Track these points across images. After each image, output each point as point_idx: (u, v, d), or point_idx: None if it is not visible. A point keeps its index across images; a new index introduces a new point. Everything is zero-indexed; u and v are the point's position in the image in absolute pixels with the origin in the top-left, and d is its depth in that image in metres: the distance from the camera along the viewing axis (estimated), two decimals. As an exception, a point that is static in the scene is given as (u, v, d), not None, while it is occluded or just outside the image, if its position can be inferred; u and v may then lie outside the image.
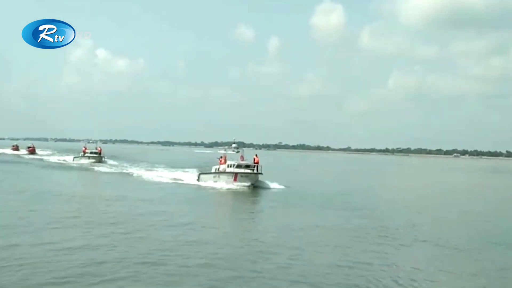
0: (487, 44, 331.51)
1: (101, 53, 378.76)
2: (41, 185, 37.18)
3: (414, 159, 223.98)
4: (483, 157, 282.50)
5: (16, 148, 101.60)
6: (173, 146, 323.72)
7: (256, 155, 41.98)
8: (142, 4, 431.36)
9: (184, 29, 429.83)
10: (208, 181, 41.91)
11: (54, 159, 78.85)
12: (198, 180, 43.89)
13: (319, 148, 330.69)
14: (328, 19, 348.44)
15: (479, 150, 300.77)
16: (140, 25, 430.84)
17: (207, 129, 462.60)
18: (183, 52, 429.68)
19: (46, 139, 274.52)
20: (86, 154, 70.44)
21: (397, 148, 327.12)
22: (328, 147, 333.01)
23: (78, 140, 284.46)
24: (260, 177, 40.28)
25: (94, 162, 67.57)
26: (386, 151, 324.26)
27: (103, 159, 69.77)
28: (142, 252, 15.75)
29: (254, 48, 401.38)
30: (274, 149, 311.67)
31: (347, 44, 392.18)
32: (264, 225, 23.50)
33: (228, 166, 41.26)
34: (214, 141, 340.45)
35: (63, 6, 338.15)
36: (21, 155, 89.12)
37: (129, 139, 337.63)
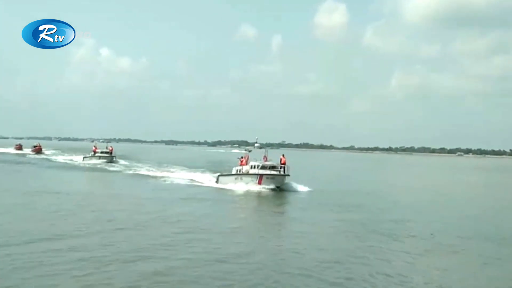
0: (490, 43, 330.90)
1: (104, 52, 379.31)
2: (58, 188, 35.16)
3: (421, 158, 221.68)
4: (486, 156, 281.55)
5: (19, 147, 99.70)
6: (176, 145, 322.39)
7: (283, 155, 39.56)
8: (144, 3, 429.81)
9: (187, 28, 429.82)
10: (229, 184, 39.59)
11: (62, 158, 76.88)
12: (217, 182, 41.72)
13: (322, 147, 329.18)
14: (331, 18, 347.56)
15: (482, 148, 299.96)
16: (143, 24, 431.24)
17: (210, 128, 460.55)
18: (185, 51, 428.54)
19: (50, 138, 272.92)
20: (96, 154, 68.04)
21: (400, 147, 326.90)
22: (331, 146, 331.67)
23: (82, 139, 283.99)
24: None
25: (105, 162, 65.37)
26: (389, 149, 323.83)
27: (114, 159, 67.43)
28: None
29: (257, 47, 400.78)
30: (278, 148, 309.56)
31: (349, 43, 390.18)
32: (299, 235, 20.72)
33: (251, 167, 38.89)
34: (217, 140, 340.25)
35: (64, 5, 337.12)
36: (26, 155, 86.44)
37: (133, 138, 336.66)
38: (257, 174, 37.79)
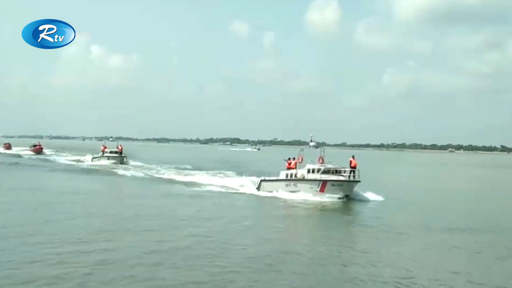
0: (481, 40, 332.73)
1: (95, 49, 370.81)
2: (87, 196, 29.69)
3: (414, 154, 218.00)
4: (477, 152, 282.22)
5: (9, 146, 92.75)
6: (168, 142, 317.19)
7: (353, 157, 33.49)
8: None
9: (179, 24, 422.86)
10: (276, 191, 33.91)
11: (67, 159, 70.05)
12: (259, 188, 35.85)
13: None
14: (323, 14, 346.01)
15: (473, 145, 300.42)
16: (134, 20, 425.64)
17: (202, 125, 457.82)
18: (177, 47, 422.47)
19: (41, 137, 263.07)
20: (105, 154, 62.09)
21: (392, 144, 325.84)
22: (323, 142, 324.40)
23: (73, 138, 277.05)
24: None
25: (115, 163, 59.51)
26: (381, 146, 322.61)
27: (125, 159, 61.43)
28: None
29: (249, 43, 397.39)
30: (270, 145, 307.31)
31: (341, 39, 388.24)
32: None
33: (308, 172, 33.26)
34: (209, 137, 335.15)
35: (57, 3, 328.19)
36: (25, 156, 77.19)
37: (124, 136, 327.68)
38: (319, 180, 32.13)
